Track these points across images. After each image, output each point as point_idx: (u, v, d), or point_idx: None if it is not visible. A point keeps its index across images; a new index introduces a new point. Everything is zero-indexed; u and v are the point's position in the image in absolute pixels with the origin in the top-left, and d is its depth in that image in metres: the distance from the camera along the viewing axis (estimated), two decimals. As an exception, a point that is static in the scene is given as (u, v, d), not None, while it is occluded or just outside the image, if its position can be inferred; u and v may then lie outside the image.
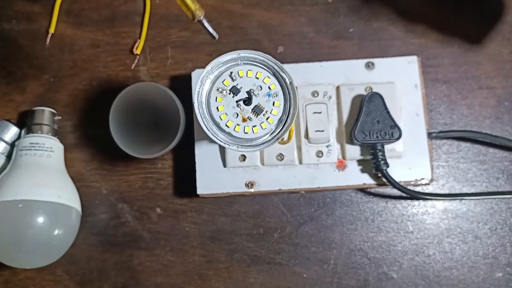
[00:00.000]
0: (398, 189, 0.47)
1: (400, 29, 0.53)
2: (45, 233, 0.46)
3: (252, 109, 0.38)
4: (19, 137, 0.51)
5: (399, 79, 0.49)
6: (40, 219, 0.46)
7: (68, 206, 0.47)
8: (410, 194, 0.47)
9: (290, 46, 0.53)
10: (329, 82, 0.49)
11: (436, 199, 0.50)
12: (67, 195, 0.48)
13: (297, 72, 0.49)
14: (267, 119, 0.38)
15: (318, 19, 0.54)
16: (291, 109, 0.38)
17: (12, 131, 0.51)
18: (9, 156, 0.50)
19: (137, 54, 0.53)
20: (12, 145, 0.51)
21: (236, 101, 0.38)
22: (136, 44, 0.53)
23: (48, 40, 0.54)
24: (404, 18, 0.53)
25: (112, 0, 0.55)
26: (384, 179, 0.47)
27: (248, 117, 0.38)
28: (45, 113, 0.51)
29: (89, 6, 0.55)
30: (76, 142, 0.53)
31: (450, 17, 0.53)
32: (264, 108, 0.38)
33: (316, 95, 0.49)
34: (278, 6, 0.54)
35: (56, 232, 0.47)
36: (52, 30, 0.54)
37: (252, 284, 0.50)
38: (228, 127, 0.38)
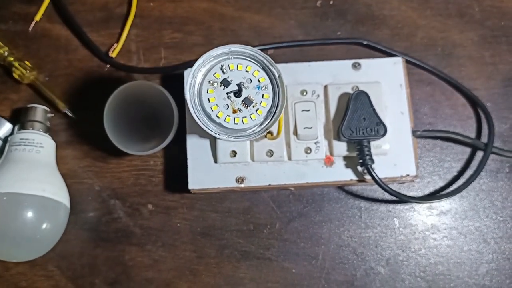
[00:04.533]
0: (380, 186, 0.48)
1: (386, 33, 0.55)
2: (29, 226, 0.47)
3: (242, 101, 0.39)
4: (12, 133, 0.52)
5: (384, 79, 0.51)
6: (24, 212, 0.46)
7: (55, 201, 0.48)
8: (390, 192, 0.48)
9: (280, 48, 0.55)
10: (317, 81, 0.51)
11: (412, 202, 0.52)
12: (53, 190, 0.48)
13: (286, 71, 0.51)
14: (256, 110, 0.39)
15: (307, 22, 0.55)
16: (280, 101, 0.39)
17: (5, 127, 0.52)
18: (1, 151, 0.51)
19: (112, 57, 0.55)
20: (5, 140, 0.52)
21: (227, 93, 0.39)
22: (113, 48, 0.55)
23: (31, 27, 0.55)
24: (390, 22, 0.55)
25: (107, 2, 0.56)
26: (368, 175, 0.48)
27: (238, 108, 0.39)
28: (37, 110, 0.52)
29: (84, 8, 0.56)
30: (70, 139, 0.54)
31: (433, 22, 0.55)
32: (253, 100, 0.39)
33: (304, 93, 0.50)
34: (268, 9, 0.56)
35: (41, 226, 0.47)
36: (37, 18, 0.55)
37: (242, 279, 0.51)
38: (219, 118, 0.39)
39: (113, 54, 0.54)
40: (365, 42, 0.54)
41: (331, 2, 0.56)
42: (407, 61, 0.53)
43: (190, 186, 0.49)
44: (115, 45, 0.54)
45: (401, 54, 0.53)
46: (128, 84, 0.50)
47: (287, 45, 0.54)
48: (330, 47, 0.55)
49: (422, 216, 0.52)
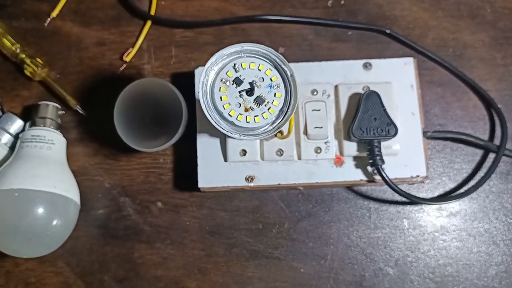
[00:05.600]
0: (390, 187, 0.48)
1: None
2: (39, 222, 0.47)
3: (254, 100, 0.39)
4: (23, 129, 0.52)
5: (395, 79, 0.51)
6: (35, 209, 0.47)
7: (65, 197, 0.48)
8: (400, 193, 0.48)
9: (291, 47, 0.55)
10: (328, 81, 0.51)
11: (422, 203, 0.51)
12: (64, 187, 0.48)
13: (297, 71, 0.49)
14: (268, 109, 0.39)
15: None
16: (292, 100, 0.39)
17: (17, 124, 0.52)
18: (12, 148, 0.52)
19: (125, 62, 0.55)
20: (16, 137, 0.52)
21: (239, 92, 0.39)
22: (128, 51, 0.55)
23: (47, 22, 0.56)
24: (401, 23, 0.55)
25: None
26: (378, 175, 0.48)
27: (250, 107, 0.39)
28: (49, 108, 0.52)
29: (95, 6, 0.56)
30: (81, 136, 0.54)
31: (445, 23, 0.55)
32: (265, 99, 0.39)
33: (315, 93, 0.50)
34: (279, 8, 0.56)
35: (51, 222, 0.47)
36: (54, 14, 0.56)
37: (250, 278, 0.51)
38: (231, 116, 0.39)
39: (127, 58, 0.55)
40: (388, 31, 0.54)
41: (342, 2, 0.56)
42: (426, 55, 0.54)
43: (200, 185, 0.50)
44: (130, 49, 0.55)
45: (421, 48, 0.53)
46: (138, 81, 0.50)
47: (304, 21, 0.55)
48: (341, 46, 0.55)
49: (432, 217, 0.52)
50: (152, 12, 0.56)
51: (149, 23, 0.55)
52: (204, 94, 0.39)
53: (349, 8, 0.56)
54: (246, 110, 0.39)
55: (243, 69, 0.40)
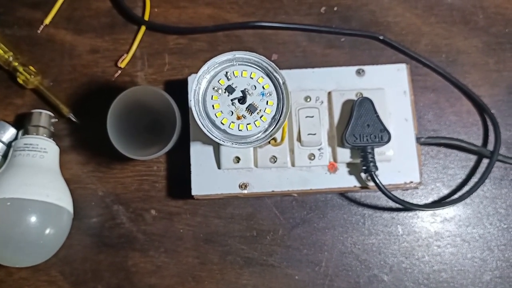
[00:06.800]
0: (383, 193, 0.48)
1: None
2: (32, 231, 0.47)
3: (246, 108, 0.39)
4: (16, 138, 0.52)
5: (388, 85, 0.51)
6: (28, 218, 0.46)
7: (58, 206, 0.48)
8: (393, 199, 0.48)
9: (284, 54, 0.55)
10: (321, 87, 0.51)
11: (416, 209, 0.51)
12: (57, 195, 0.48)
13: (290, 77, 0.51)
14: (260, 117, 0.39)
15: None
16: (284, 108, 0.39)
17: (9, 132, 0.52)
18: (5, 156, 0.51)
19: (120, 68, 0.55)
20: (9, 145, 0.52)
21: (231, 100, 0.39)
22: (123, 57, 0.55)
23: (40, 30, 0.56)
24: (394, 29, 0.55)
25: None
26: (372, 182, 0.48)
27: (243, 115, 0.39)
28: (42, 116, 0.52)
29: (89, 14, 0.56)
30: (74, 144, 0.54)
31: (438, 29, 0.55)
32: (258, 107, 0.39)
33: (308, 100, 0.50)
34: (273, 15, 0.56)
35: (44, 231, 0.47)
36: (47, 21, 0.56)
37: (245, 286, 0.51)
38: (223, 124, 0.39)
39: (122, 64, 0.55)
40: (381, 37, 0.54)
41: (335, 9, 0.56)
42: (419, 61, 0.54)
43: (194, 192, 0.49)
44: (125, 55, 0.55)
45: (414, 54, 0.54)
46: (132, 89, 0.50)
47: (297, 27, 0.55)
48: (334, 52, 0.55)
49: (426, 223, 0.52)
50: (146, 19, 0.56)
51: (143, 28, 0.55)
52: (196, 102, 0.39)
53: (342, 15, 0.56)
54: (239, 118, 0.39)
55: (235, 77, 0.40)
